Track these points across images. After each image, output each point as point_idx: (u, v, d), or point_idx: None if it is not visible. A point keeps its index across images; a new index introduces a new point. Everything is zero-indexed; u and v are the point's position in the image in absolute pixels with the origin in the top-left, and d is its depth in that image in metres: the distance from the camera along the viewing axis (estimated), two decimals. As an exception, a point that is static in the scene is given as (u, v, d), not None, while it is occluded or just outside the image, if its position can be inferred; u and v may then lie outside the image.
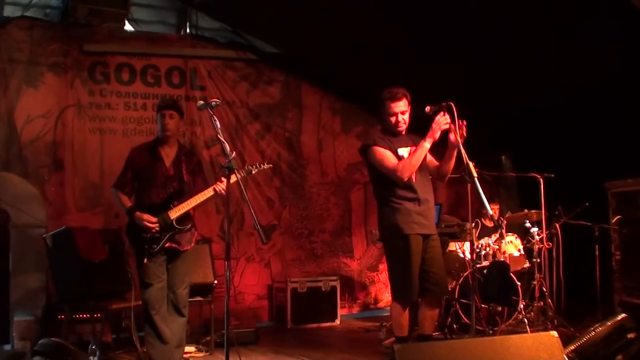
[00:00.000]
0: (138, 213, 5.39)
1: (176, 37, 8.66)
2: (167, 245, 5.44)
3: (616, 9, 5.75)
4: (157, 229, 5.36)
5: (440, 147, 5.24)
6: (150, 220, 5.35)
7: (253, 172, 5.67)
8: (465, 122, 4.97)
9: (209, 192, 5.41)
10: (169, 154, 5.60)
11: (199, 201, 5.43)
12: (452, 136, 5.04)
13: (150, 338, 5.49)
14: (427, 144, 5.10)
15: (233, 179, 4.88)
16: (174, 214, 5.41)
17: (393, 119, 5.30)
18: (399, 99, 5.27)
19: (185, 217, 5.48)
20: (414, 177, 5.23)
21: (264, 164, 5.74)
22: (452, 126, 4.99)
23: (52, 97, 7.74)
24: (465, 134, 4.97)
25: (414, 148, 5.21)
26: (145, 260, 5.36)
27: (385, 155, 5.24)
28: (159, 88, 8.27)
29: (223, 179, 5.24)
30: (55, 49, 7.75)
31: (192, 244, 5.62)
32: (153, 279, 5.43)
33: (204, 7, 8.34)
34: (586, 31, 6.15)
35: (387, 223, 5.30)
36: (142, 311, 5.55)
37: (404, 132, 5.37)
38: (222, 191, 5.30)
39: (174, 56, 8.42)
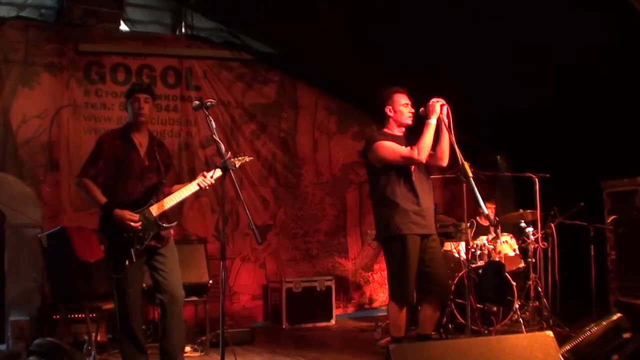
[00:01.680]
0: (118, 210, 4.87)
1: (171, 37, 8.66)
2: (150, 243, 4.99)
3: (616, 10, 5.76)
4: (140, 227, 4.89)
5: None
6: (133, 220, 4.87)
7: (237, 166, 5.18)
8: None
9: (193, 187, 5.04)
10: (142, 142, 5.14)
11: (182, 197, 5.04)
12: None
13: (129, 352, 5.03)
14: (432, 121, 5.13)
15: (218, 174, 4.85)
16: (156, 210, 4.96)
17: (405, 110, 5.34)
18: (405, 92, 5.37)
19: (165, 214, 5.03)
20: (414, 176, 5.26)
21: (245, 156, 5.35)
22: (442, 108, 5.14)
23: (48, 98, 7.73)
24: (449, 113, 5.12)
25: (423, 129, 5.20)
26: (127, 262, 4.86)
27: (394, 145, 5.26)
28: (154, 88, 8.24)
29: (206, 173, 5.08)
30: (50, 49, 7.75)
31: (171, 238, 5.18)
32: (133, 284, 4.99)
33: (199, 7, 8.33)
34: (584, 32, 6.16)
35: (384, 223, 5.30)
36: (120, 321, 5.04)
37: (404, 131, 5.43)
38: (207, 186, 5.05)
39: (169, 56, 8.42)
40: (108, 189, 5.05)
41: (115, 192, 5.01)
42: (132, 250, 4.87)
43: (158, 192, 5.05)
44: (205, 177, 5.07)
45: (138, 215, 4.91)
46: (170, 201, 5.02)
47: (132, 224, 4.86)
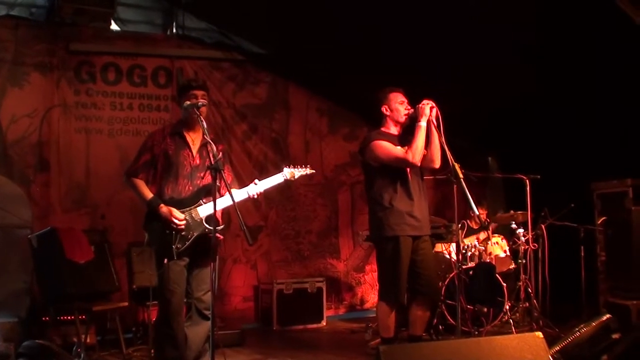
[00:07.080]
0: (164, 207, 4.78)
1: (162, 37, 8.63)
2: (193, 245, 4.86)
3: (607, 15, 5.79)
4: (183, 226, 4.79)
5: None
6: (178, 218, 4.76)
7: (296, 177, 5.33)
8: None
9: (242, 194, 4.94)
10: (195, 141, 4.99)
11: (230, 203, 4.70)
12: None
13: (164, 357, 4.86)
14: (422, 123, 5.21)
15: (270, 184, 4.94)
16: (204, 211, 4.84)
17: (401, 107, 5.42)
18: (400, 91, 5.47)
19: (213, 216, 4.61)
20: (409, 178, 5.28)
21: (307, 168, 5.42)
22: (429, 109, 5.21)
23: (38, 97, 7.68)
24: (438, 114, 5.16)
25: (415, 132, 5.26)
26: (166, 260, 4.74)
27: (390, 146, 5.33)
28: (145, 88, 8.24)
29: (258, 180, 5.03)
30: (40, 48, 7.70)
31: (220, 245, 5.03)
32: (175, 285, 4.80)
33: (190, 7, 8.31)
34: (576, 35, 6.18)
35: (378, 223, 5.34)
36: (156, 323, 4.98)
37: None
38: (255, 195, 4.99)
39: (160, 56, 8.38)
40: (156, 186, 4.94)
41: (164, 189, 4.91)
42: (172, 248, 4.76)
43: (209, 193, 4.77)
44: (256, 184, 5.02)
45: (183, 214, 4.81)
46: (218, 204, 4.65)
47: (175, 221, 4.76)
